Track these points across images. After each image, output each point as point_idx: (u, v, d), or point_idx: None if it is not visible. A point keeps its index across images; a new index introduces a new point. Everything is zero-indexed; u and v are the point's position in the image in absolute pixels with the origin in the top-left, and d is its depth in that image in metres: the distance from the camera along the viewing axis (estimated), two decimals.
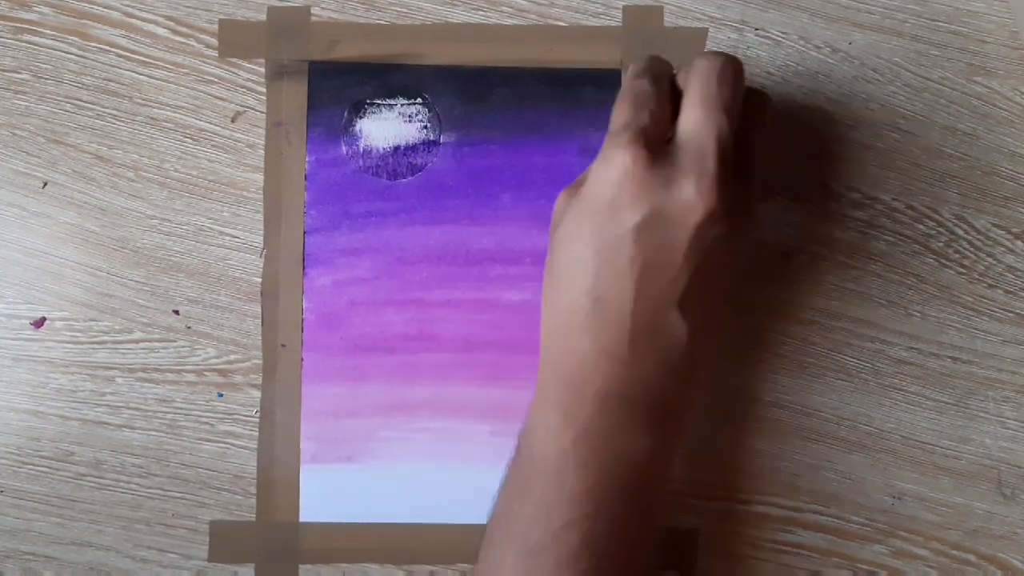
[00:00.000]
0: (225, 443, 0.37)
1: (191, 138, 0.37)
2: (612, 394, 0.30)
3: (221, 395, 0.37)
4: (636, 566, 0.31)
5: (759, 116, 0.32)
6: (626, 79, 0.32)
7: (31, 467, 0.37)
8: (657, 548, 0.33)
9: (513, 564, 0.30)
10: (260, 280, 0.37)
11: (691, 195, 0.29)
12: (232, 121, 0.37)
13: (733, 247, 0.31)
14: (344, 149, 0.37)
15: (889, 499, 0.37)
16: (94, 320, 0.37)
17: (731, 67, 0.30)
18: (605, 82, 0.37)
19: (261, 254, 0.37)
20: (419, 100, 0.37)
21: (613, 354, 0.30)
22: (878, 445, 0.37)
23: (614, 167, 0.29)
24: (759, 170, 0.32)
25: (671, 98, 0.31)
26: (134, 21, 0.37)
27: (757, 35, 0.37)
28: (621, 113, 0.30)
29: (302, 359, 0.37)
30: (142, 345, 0.37)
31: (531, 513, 0.30)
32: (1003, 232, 0.37)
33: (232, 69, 0.37)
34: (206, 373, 0.37)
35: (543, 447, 0.31)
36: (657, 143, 0.30)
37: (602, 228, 0.29)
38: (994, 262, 0.37)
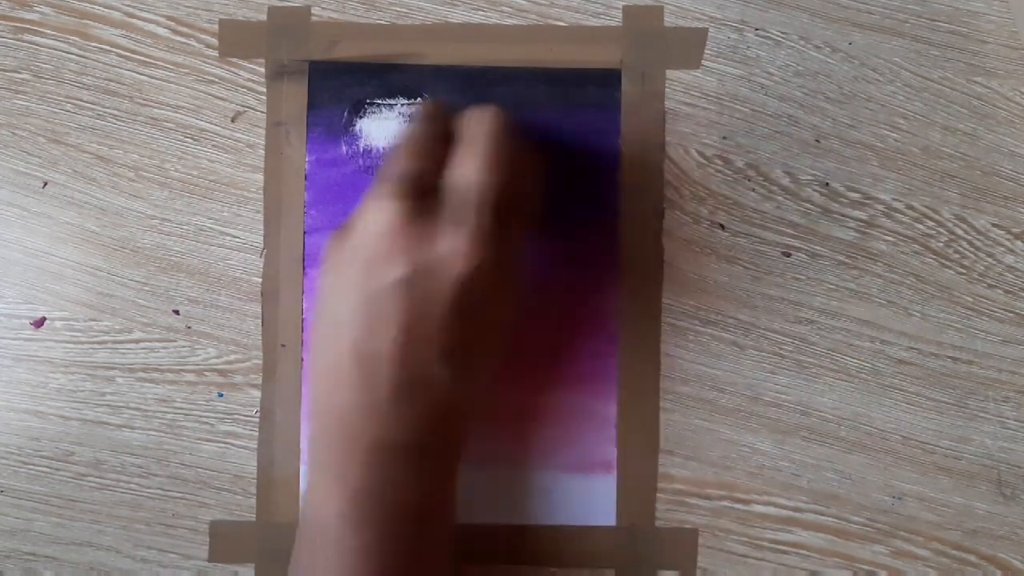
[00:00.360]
0: (225, 443, 0.37)
1: (191, 138, 0.37)
2: (382, 449, 0.30)
3: (221, 395, 0.37)
4: None
5: (531, 169, 0.32)
6: (407, 126, 0.32)
7: (31, 467, 0.37)
8: None
9: None
10: (260, 280, 0.37)
11: (453, 248, 0.29)
12: (232, 121, 0.37)
13: (502, 299, 0.31)
14: (344, 149, 0.37)
15: (889, 499, 0.37)
16: (94, 320, 0.37)
17: (499, 121, 0.31)
18: (605, 82, 0.37)
19: (261, 254, 0.37)
20: (419, 100, 0.37)
21: (379, 409, 0.30)
22: (878, 445, 0.37)
23: (378, 219, 0.29)
24: (528, 223, 0.32)
25: (446, 146, 0.31)
26: (135, 21, 0.37)
27: (757, 35, 0.37)
28: (394, 160, 0.30)
29: (302, 359, 0.37)
30: (142, 345, 0.37)
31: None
32: (1003, 232, 0.37)
33: (232, 69, 0.37)
34: (206, 373, 0.37)
35: (321, 512, 0.30)
36: (425, 192, 0.30)
37: (366, 281, 0.29)
38: (994, 262, 0.37)
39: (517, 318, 0.33)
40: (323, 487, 0.31)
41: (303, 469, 0.37)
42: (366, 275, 0.29)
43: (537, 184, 0.33)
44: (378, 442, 0.30)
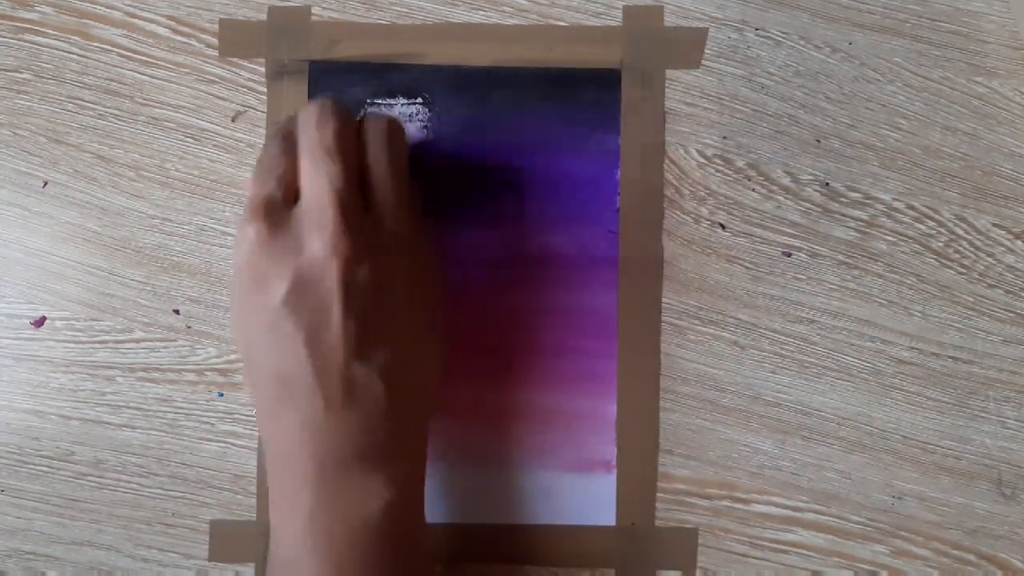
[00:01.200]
0: (225, 443, 0.37)
1: (192, 138, 0.37)
2: (328, 464, 0.30)
3: (222, 395, 0.37)
4: None
5: (384, 140, 0.31)
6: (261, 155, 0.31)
7: (32, 467, 0.37)
8: None
9: None
10: None
11: (321, 251, 0.29)
12: (233, 121, 0.37)
13: (412, 278, 0.31)
14: None
15: (889, 499, 0.37)
16: (95, 320, 0.37)
17: (325, 109, 0.30)
18: (605, 82, 0.37)
19: None
20: (419, 100, 0.37)
21: (314, 425, 0.29)
22: (878, 445, 0.37)
23: (244, 245, 0.29)
24: (408, 192, 0.32)
25: (292, 161, 0.30)
26: (135, 21, 0.37)
27: (757, 35, 0.37)
28: (251, 185, 0.30)
29: None
30: (143, 345, 0.37)
31: None
32: (1003, 232, 0.37)
33: (233, 69, 0.37)
34: (207, 373, 0.37)
35: (283, 539, 0.30)
36: (285, 209, 0.30)
37: (256, 308, 0.29)
38: (994, 262, 0.37)
39: (428, 298, 0.32)
40: (279, 514, 0.31)
41: None
42: (255, 300, 0.30)
43: (398, 150, 0.32)
44: (321, 458, 0.30)
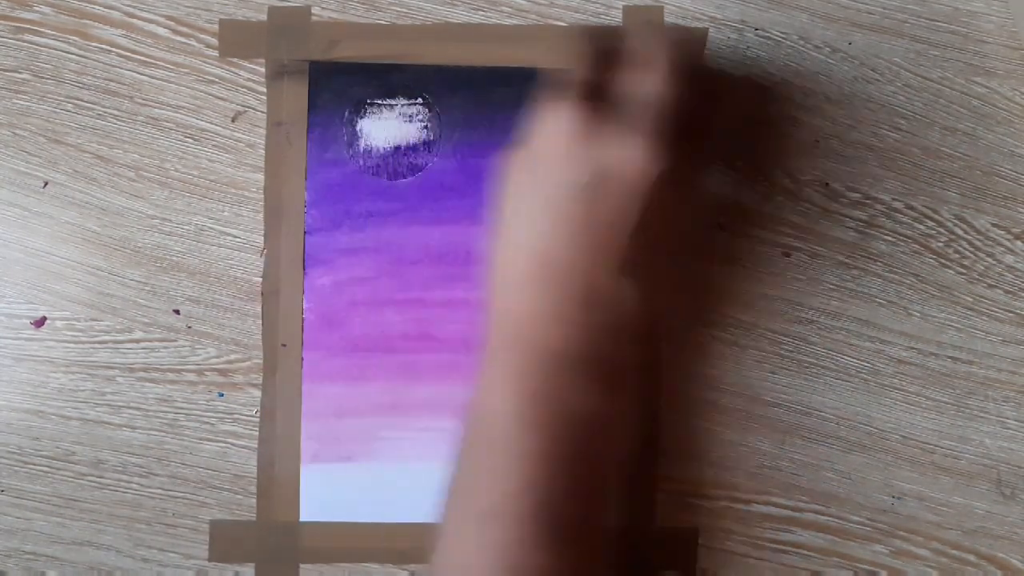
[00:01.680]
0: (226, 443, 0.37)
1: (192, 138, 0.37)
2: (565, 355, 0.30)
3: (222, 395, 0.37)
4: (594, 524, 0.30)
5: (708, 86, 0.32)
6: (577, 40, 0.31)
7: (32, 467, 0.37)
8: (612, 509, 0.32)
9: (473, 530, 0.29)
10: (260, 280, 0.37)
11: (636, 154, 0.29)
12: (232, 121, 0.37)
13: (676, 212, 0.31)
14: (344, 149, 0.37)
15: (889, 499, 0.37)
16: (95, 320, 0.37)
17: (674, 40, 0.31)
18: None
19: (261, 254, 0.37)
20: (419, 100, 0.37)
21: (565, 316, 0.29)
22: (878, 445, 0.37)
23: (557, 124, 0.29)
24: (704, 139, 0.32)
25: (619, 60, 0.31)
26: (135, 21, 0.37)
27: (757, 35, 0.37)
28: (581, 67, 0.30)
29: (302, 359, 0.37)
30: (143, 345, 0.37)
31: (488, 476, 0.30)
32: (1003, 232, 0.37)
33: (232, 69, 0.37)
34: (207, 373, 0.37)
35: (496, 410, 0.30)
36: (602, 101, 0.29)
37: (549, 185, 0.29)
38: (994, 262, 0.37)
39: (691, 237, 0.33)
40: (499, 389, 0.30)
41: (305, 468, 0.37)
42: (551, 178, 0.29)
43: (707, 104, 0.32)
44: (561, 349, 0.30)
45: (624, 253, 0.29)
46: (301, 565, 0.37)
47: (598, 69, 0.30)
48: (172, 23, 0.37)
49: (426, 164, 0.37)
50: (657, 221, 0.30)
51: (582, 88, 0.29)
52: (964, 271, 0.37)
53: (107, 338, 0.37)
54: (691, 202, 0.32)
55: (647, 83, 0.29)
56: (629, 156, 0.29)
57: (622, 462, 0.32)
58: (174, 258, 0.37)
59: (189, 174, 0.37)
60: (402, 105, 0.37)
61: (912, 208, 0.37)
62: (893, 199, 0.37)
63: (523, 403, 0.29)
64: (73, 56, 0.37)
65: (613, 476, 0.32)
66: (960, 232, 0.37)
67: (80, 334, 0.37)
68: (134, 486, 0.37)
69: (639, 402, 0.32)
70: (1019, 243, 0.37)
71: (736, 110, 0.37)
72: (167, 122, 0.37)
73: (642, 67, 0.30)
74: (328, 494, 0.37)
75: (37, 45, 0.37)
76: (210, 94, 0.37)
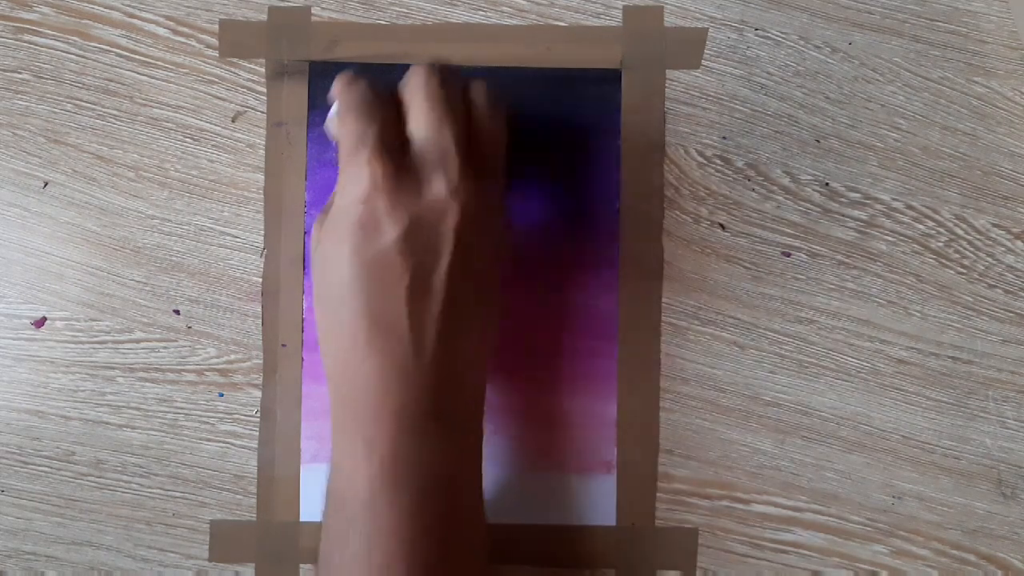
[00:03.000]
0: (225, 443, 0.37)
1: (191, 138, 0.37)
2: (409, 411, 0.30)
3: (222, 395, 0.37)
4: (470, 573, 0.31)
5: (489, 101, 0.31)
6: (338, 89, 0.31)
7: (32, 467, 0.37)
8: (484, 550, 0.32)
9: None
10: (260, 280, 0.37)
11: (443, 194, 0.29)
12: (232, 121, 0.37)
13: (489, 242, 0.31)
14: None
15: (889, 499, 0.37)
16: (95, 320, 0.37)
17: (434, 68, 0.30)
18: (605, 82, 0.37)
19: (261, 254, 0.37)
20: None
21: (401, 371, 0.29)
22: (878, 445, 0.37)
23: (362, 182, 0.29)
24: (497, 162, 0.32)
25: (393, 107, 0.30)
26: (135, 21, 0.37)
27: (757, 35, 0.37)
28: (349, 126, 0.30)
29: (302, 359, 0.37)
30: (143, 345, 0.37)
31: (352, 553, 0.29)
32: (1003, 232, 0.37)
33: (232, 69, 0.37)
34: (207, 373, 0.37)
35: (351, 481, 0.30)
36: (396, 151, 0.29)
37: (363, 246, 0.29)
38: (994, 262, 0.37)
39: (505, 269, 0.33)
40: (351, 455, 0.30)
41: (304, 468, 0.37)
42: (365, 238, 0.29)
43: (497, 124, 0.32)
44: (404, 405, 0.30)
45: (450, 294, 0.29)
46: (301, 565, 0.37)
47: (377, 120, 0.30)
48: (172, 23, 0.37)
49: None
50: (477, 258, 0.30)
51: (373, 143, 0.29)
52: (964, 271, 0.37)
53: (107, 338, 0.37)
54: (499, 232, 0.32)
55: (435, 123, 0.29)
56: (441, 202, 0.29)
57: (481, 507, 0.32)
58: (174, 258, 0.37)
59: (189, 174, 0.37)
60: None
61: (912, 208, 0.37)
62: (893, 199, 0.37)
63: (376, 467, 0.29)
64: (73, 56, 0.37)
65: (476, 523, 0.32)
66: (960, 232, 0.37)
67: (80, 334, 0.37)
68: (134, 486, 0.37)
69: (481, 435, 0.33)
70: (1019, 243, 0.37)
71: (736, 110, 0.37)
72: (167, 122, 0.37)
73: (425, 108, 0.30)
74: None
75: (37, 45, 0.37)
76: (210, 94, 0.37)
